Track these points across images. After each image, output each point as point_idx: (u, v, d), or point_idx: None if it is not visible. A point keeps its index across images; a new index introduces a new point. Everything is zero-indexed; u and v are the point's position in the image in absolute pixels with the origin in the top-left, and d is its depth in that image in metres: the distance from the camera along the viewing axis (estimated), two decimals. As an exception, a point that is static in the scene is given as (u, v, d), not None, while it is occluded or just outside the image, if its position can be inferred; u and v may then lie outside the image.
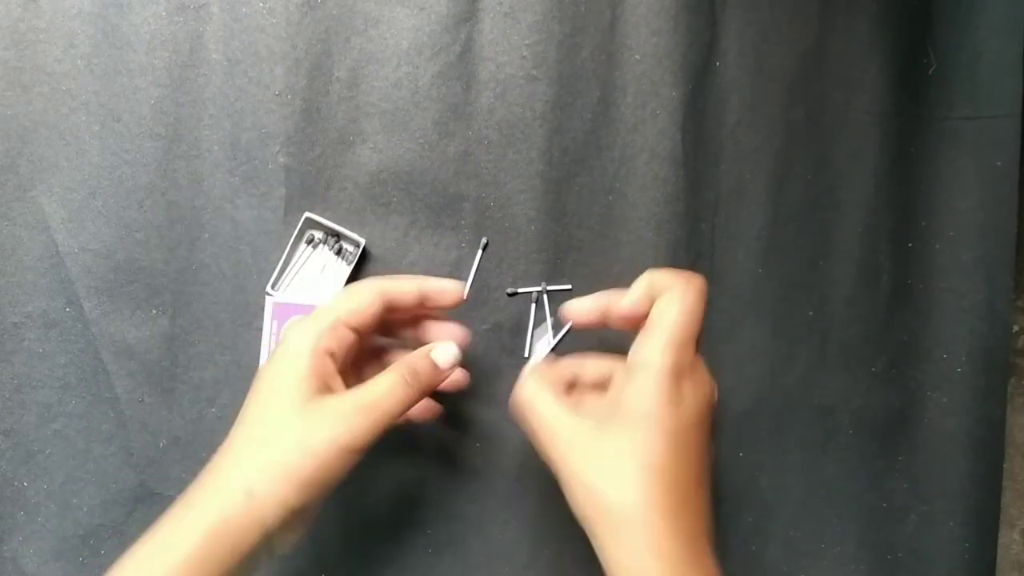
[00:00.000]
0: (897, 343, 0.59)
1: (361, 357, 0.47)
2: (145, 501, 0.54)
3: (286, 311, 0.53)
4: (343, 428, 0.38)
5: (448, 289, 0.45)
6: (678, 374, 0.38)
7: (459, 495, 0.56)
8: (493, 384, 0.55)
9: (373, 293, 0.43)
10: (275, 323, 0.53)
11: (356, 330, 0.42)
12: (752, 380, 0.57)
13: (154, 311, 0.54)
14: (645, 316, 0.41)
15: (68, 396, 0.53)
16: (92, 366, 0.53)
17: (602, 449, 0.38)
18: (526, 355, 0.43)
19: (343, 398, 0.40)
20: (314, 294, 0.54)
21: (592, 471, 0.38)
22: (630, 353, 0.40)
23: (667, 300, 0.40)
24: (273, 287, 0.54)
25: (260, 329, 0.53)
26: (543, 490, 0.56)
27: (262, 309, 0.53)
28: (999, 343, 0.58)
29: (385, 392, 0.40)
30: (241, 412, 0.40)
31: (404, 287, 0.44)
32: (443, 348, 0.44)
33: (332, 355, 0.41)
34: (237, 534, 0.37)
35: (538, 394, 0.41)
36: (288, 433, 0.38)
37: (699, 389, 0.39)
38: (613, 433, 0.38)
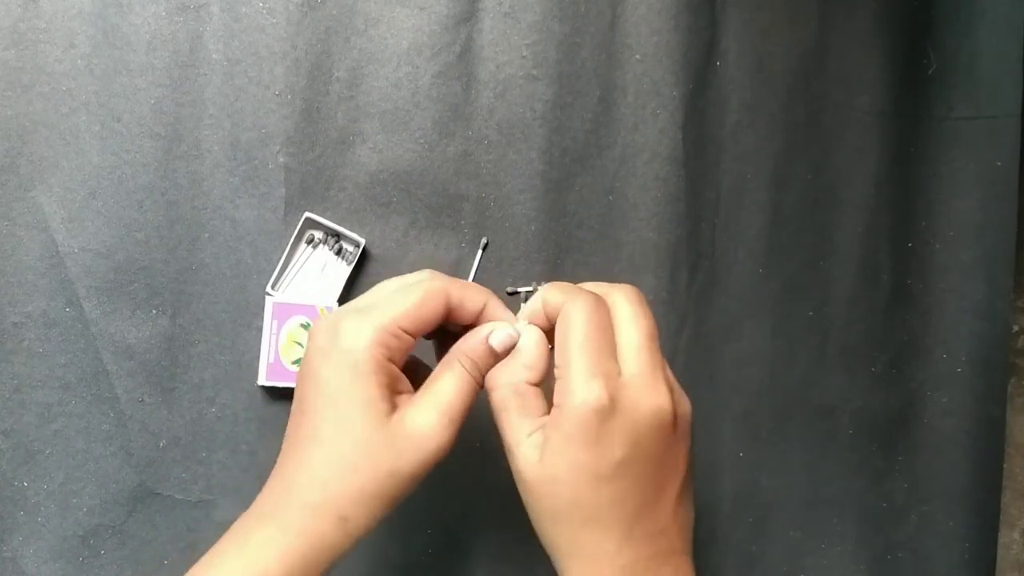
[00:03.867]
0: (897, 343, 0.59)
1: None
2: (145, 501, 0.54)
3: (286, 311, 0.53)
4: (432, 447, 0.37)
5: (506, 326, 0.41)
6: (598, 410, 0.35)
7: (459, 495, 0.56)
8: (493, 384, 0.55)
9: (439, 300, 0.39)
10: (275, 323, 0.53)
11: (413, 334, 0.39)
12: (752, 380, 0.57)
13: (154, 311, 0.54)
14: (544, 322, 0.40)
15: (68, 396, 0.53)
16: (92, 366, 0.53)
17: (542, 495, 0.37)
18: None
19: (422, 414, 0.38)
20: (314, 294, 0.54)
21: (535, 515, 0.38)
22: (556, 386, 0.38)
23: (559, 325, 0.38)
24: (273, 287, 0.54)
25: (260, 329, 0.53)
26: (543, 490, 0.56)
27: (262, 309, 0.53)
28: (999, 343, 0.59)
29: (457, 395, 0.38)
30: (308, 423, 0.38)
31: (471, 303, 0.40)
32: (500, 332, 0.40)
33: (393, 360, 0.38)
34: (332, 552, 0.37)
35: (514, 416, 0.38)
36: (377, 459, 0.37)
37: (638, 410, 0.36)
38: (547, 478, 0.37)
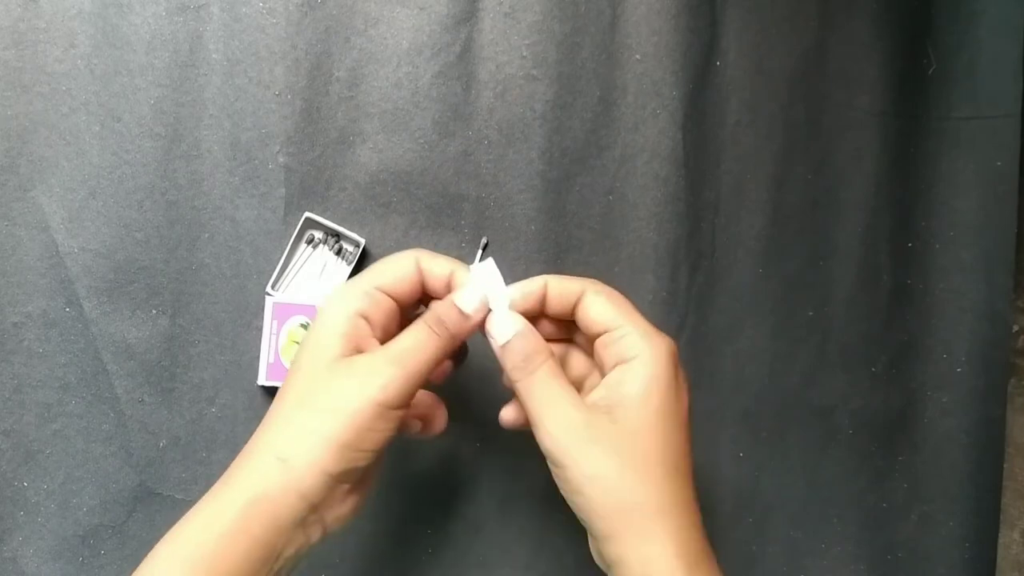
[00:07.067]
0: (897, 343, 0.59)
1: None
2: (145, 501, 0.54)
3: (286, 311, 0.53)
4: (374, 382, 0.37)
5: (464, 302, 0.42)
6: (676, 361, 0.38)
7: (458, 495, 0.56)
8: (493, 384, 0.55)
9: (410, 261, 0.41)
10: (275, 323, 0.53)
11: (394, 297, 0.41)
12: (752, 380, 0.57)
13: (154, 311, 0.54)
14: (536, 305, 0.41)
15: (68, 396, 0.53)
16: (92, 366, 0.53)
17: (625, 448, 0.36)
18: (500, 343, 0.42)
19: (372, 354, 0.38)
20: (314, 294, 0.54)
21: (614, 471, 0.36)
22: (615, 346, 0.38)
23: (594, 303, 0.39)
24: (273, 287, 0.54)
25: (260, 329, 0.53)
26: (543, 490, 0.56)
27: (262, 309, 0.53)
28: (999, 343, 0.59)
29: (413, 343, 0.39)
30: (283, 383, 0.39)
31: (439, 268, 0.42)
32: (466, 293, 0.41)
33: (366, 318, 0.39)
34: (275, 504, 0.36)
35: (555, 381, 0.39)
36: (318, 395, 0.37)
37: (684, 375, 0.39)
38: (631, 430, 0.36)
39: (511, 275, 0.56)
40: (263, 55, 0.54)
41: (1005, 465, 0.60)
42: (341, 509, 0.38)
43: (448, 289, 0.42)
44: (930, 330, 0.59)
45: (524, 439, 0.56)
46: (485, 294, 0.41)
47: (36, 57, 0.53)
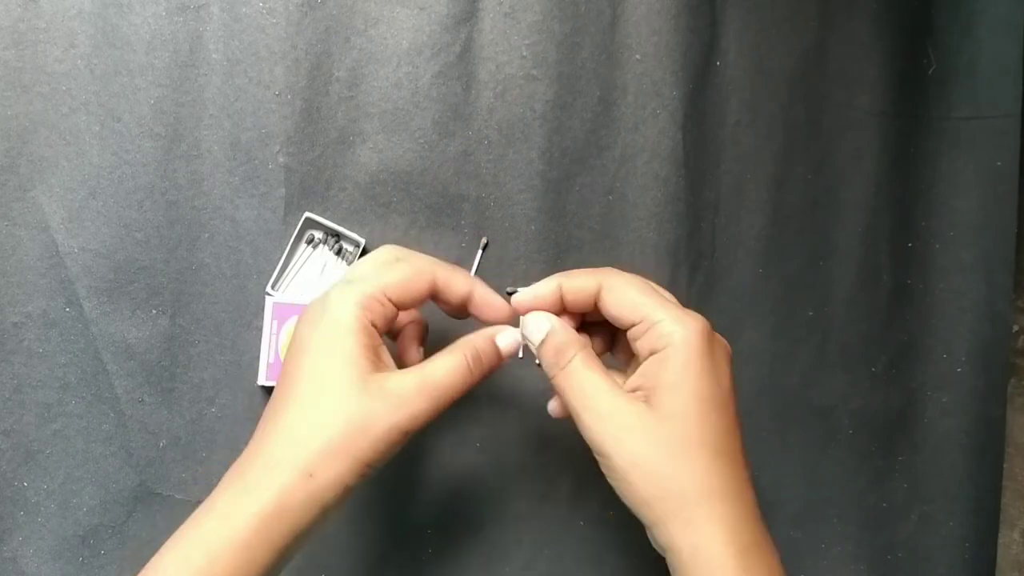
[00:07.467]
0: (897, 343, 0.59)
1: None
2: (145, 501, 0.54)
3: (286, 311, 0.53)
4: (405, 412, 0.37)
5: (496, 308, 0.42)
6: (709, 340, 0.37)
7: (458, 495, 0.56)
8: (493, 384, 0.55)
9: (425, 279, 0.41)
10: (275, 323, 0.53)
11: (398, 307, 0.41)
12: (752, 380, 0.57)
13: (154, 311, 0.54)
14: (552, 306, 0.41)
15: (68, 396, 0.53)
16: (92, 366, 0.53)
17: (663, 434, 0.36)
18: (519, 355, 0.43)
19: (404, 379, 0.38)
20: (314, 294, 0.54)
21: (654, 458, 0.36)
22: (645, 338, 0.38)
23: (613, 296, 0.40)
24: (273, 287, 0.54)
25: (260, 329, 0.53)
26: (543, 490, 0.56)
27: (262, 309, 0.53)
28: (999, 343, 0.59)
29: (448, 378, 0.39)
30: (287, 385, 0.39)
31: (456, 287, 0.42)
32: (508, 335, 0.42)
33: (375, 324, 0.39)
34: (296, 514, 0.36)
35: (587, 372, 0.39)
36: (349, 414, 0.37)
37: (723, 350, 0.39)
38: (668, 415, 0.36)
39: (511, 275, 0.56)
40: (263, 55, 0.54)
41: (1005, 465, 0.60)
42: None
43: (463, 303, 0.42)
44: (930, 330, 0.59)
45: (523, 439, 0.56)
46: (520, 339, 0.42)
47: (36, 57, 0.53)
